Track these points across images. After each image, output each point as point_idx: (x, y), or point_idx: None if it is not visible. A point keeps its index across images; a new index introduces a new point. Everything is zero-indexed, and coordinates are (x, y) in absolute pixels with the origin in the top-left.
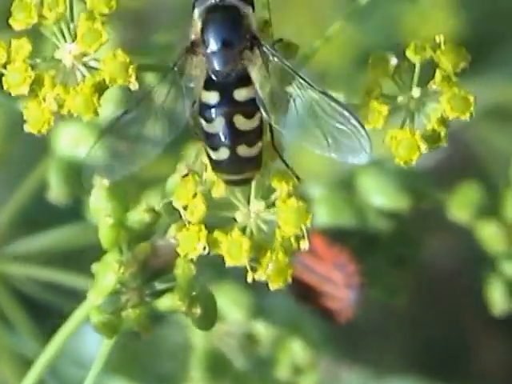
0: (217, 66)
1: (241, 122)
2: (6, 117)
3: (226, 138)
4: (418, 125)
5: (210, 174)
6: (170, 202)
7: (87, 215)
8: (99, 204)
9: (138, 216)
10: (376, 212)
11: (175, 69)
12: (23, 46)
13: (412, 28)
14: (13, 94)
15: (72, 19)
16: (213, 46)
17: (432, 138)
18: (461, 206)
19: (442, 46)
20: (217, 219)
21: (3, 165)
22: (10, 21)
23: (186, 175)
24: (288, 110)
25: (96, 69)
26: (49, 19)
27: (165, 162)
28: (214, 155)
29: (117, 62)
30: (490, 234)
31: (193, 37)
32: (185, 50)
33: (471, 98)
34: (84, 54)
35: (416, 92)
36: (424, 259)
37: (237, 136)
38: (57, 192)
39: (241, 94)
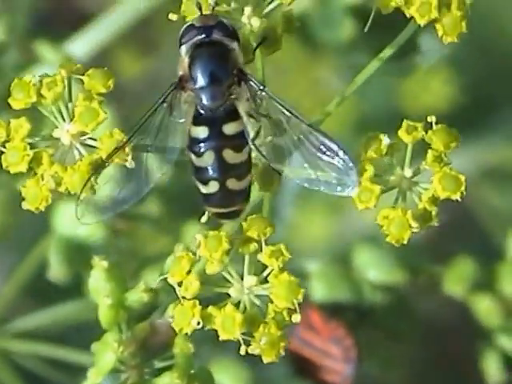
0: (205, 102)
1: (230, 156)
2: (6, 192)
3: (215, 172)
4: (410, 203)
5: (203, 251)
6: (166, 279)
7: (87, 291)
8: (98, 285)
9: (136, 296)
10: (372, 286)
11: (164, 105)
12: (22, 126)
13: (411, 94)
14: (11, 172)
15: (70, 99)
16: (201, 81)
17: (423, 217)
18: (456, 280)
19: (434, 126)
20: (211, 294)
21: (4, 242)
22: (10, 100)
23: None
24: (276, 143)
25: (93, 147)
26: (47, 99)
27: (163, 239)
28: (203, 189)
29: (113, 140)
30: (485, 308)
31: (180, 73)
32: (173, 85)
33: (462, 178)
34: (81, 133)
35: (408, 172)
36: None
37: (226, 169)
38: (57, 270)
39: (229, 129)
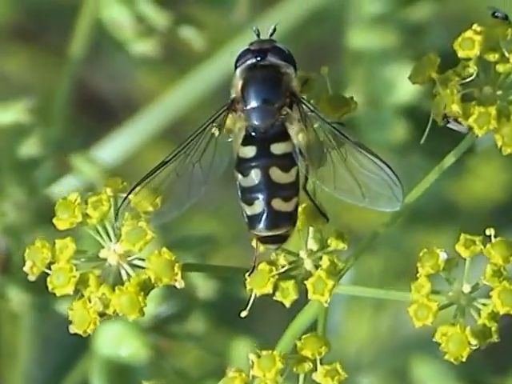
0: (255, 121)
1: (277, 175)
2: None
3: (261, 191)
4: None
5: (256, 371)
6: None
7: None
8: None
9: None
10: None
11: (214, 124)
12: (68, 246)
13: (463, 182)
14: (58, 295)
15: (116, 218)
16: (252, 102)
17: (483, 334)
18: None
19: (493, 240)
20: None
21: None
22: (54, 220)
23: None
24: (324, 163)
25: (141, 267)
26: (93, 218)
27: (210, 357)
28: (248, 210)
29: (162, 260)
30: None
31: (233, 95)
32: (225, 106)
33: None
34: (129, 253)
35: (466, 288)
36: None
37: (272, 188)
38: None
39: (278, 148)
